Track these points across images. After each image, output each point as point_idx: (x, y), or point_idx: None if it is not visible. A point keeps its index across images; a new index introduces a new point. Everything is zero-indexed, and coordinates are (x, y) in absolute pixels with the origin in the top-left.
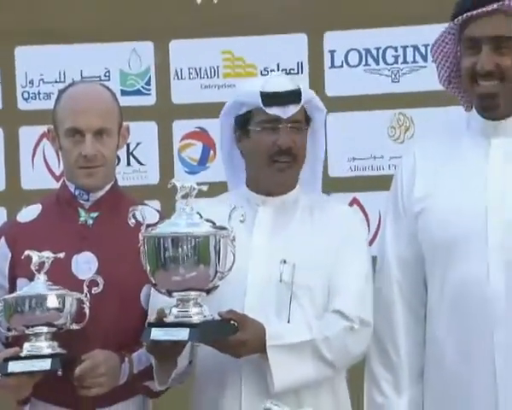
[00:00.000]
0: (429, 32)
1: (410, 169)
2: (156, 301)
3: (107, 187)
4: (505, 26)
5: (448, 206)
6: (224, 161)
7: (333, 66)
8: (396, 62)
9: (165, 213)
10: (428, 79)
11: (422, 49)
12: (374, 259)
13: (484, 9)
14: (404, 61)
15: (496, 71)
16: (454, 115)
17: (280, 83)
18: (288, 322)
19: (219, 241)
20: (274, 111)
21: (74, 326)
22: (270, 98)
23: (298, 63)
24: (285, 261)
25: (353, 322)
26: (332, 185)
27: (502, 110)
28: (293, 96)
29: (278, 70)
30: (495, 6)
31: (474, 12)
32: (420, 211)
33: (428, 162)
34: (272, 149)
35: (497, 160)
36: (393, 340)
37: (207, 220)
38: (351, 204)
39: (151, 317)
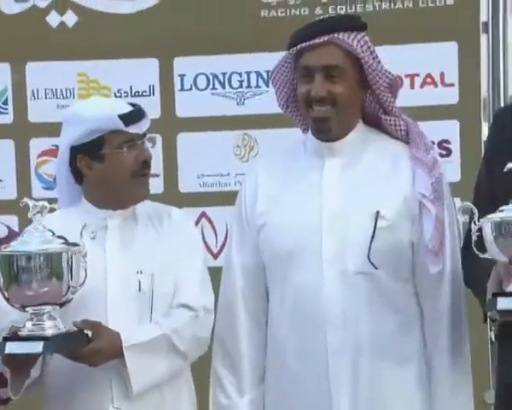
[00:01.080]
0: (271, 59)
1: (254, 186)
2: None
3: None
4: (336, 56)
5: (286, 221)
6: (61, 184)
7: (182, 89)
8: (241, 87)
9: (23, 227)
10: (270, 102)
11: (265, 75)
12: (221, 269)
13: (316, 41)
14: (249, 86)
15: (328, 97)
16: (294, 137)
17: (122, 104)
18: None
19: (71, 257)
20: (133, 129)
21: None
22: (128, 119)
23: (150, 86)
24: (141, 272)
25: (198, 311)
26: (182, 200)
27: (334, 133)
28: (141, 112)
29: (131, 92)
30: (326, 38)
31: (307, 43)
32: (262, 225)
33: (270, 180)
34: (136, 165)
35: (331, 178)
36: (237, 345)
37: (59, 237)
38: (200, 218)
39: (2, 331)
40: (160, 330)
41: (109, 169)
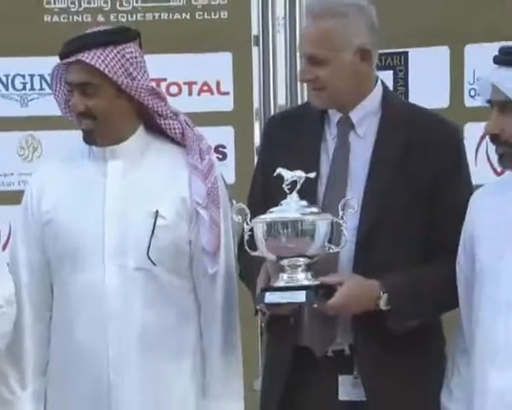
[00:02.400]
0: (55, 63)
1: (40, 185)
2: None
3: None
4: (85, 74)
5: (71, 219)
6: None
7: None
8: (24, 89)
9: None
10: (54, 104)
11: (48, 78)
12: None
13: (68, 60)
14: (32, 88)
15: (86, 112)
16: (78, 138)
17: None
18: None
19: None
20: None
21: None
22: None
23: None
24: None
25: (1, 307)
26: None
27: (100, 143)
28: None
29: None
30: (73, 58)
31: (62, 62)
32: (47, 222)
33: (56, 180)
34: None
35: (114, 179)
36: (20, 340)
37: None
38: None
39: None
40: None
41: None
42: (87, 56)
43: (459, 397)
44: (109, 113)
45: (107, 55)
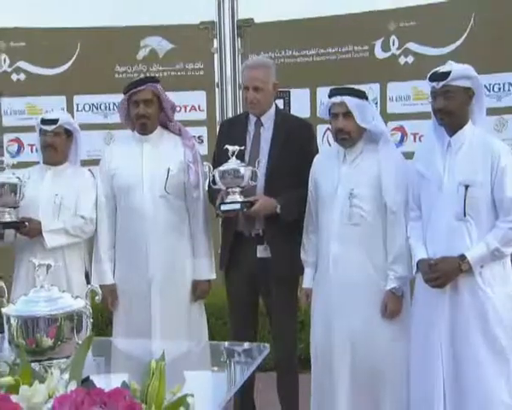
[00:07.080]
0: None
1: (109, 154)
2: None
3: None
4: (149, 94)
5: (125, 172)
6: None
7: None
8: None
9: None
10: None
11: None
12: None
13: (140, 88)
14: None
15: (146, 115)
16: (129, 132)
17: None
18: None
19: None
20: None
21: None
22: None
23: None
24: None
25: (86, 219)
26: None
27: (148, 131)
28: None
29: None
30: (143, 86)
31: (136, 89)
32: (113, 175)
33: (117, 151)
34: None
35: (147, 152)
36: (102, 233)
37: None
38: None
39: None
40: (63, 225)
41: None
42: (155, 86)
43: (310, 254)
44: (153, 116)
45: (159, 88)
